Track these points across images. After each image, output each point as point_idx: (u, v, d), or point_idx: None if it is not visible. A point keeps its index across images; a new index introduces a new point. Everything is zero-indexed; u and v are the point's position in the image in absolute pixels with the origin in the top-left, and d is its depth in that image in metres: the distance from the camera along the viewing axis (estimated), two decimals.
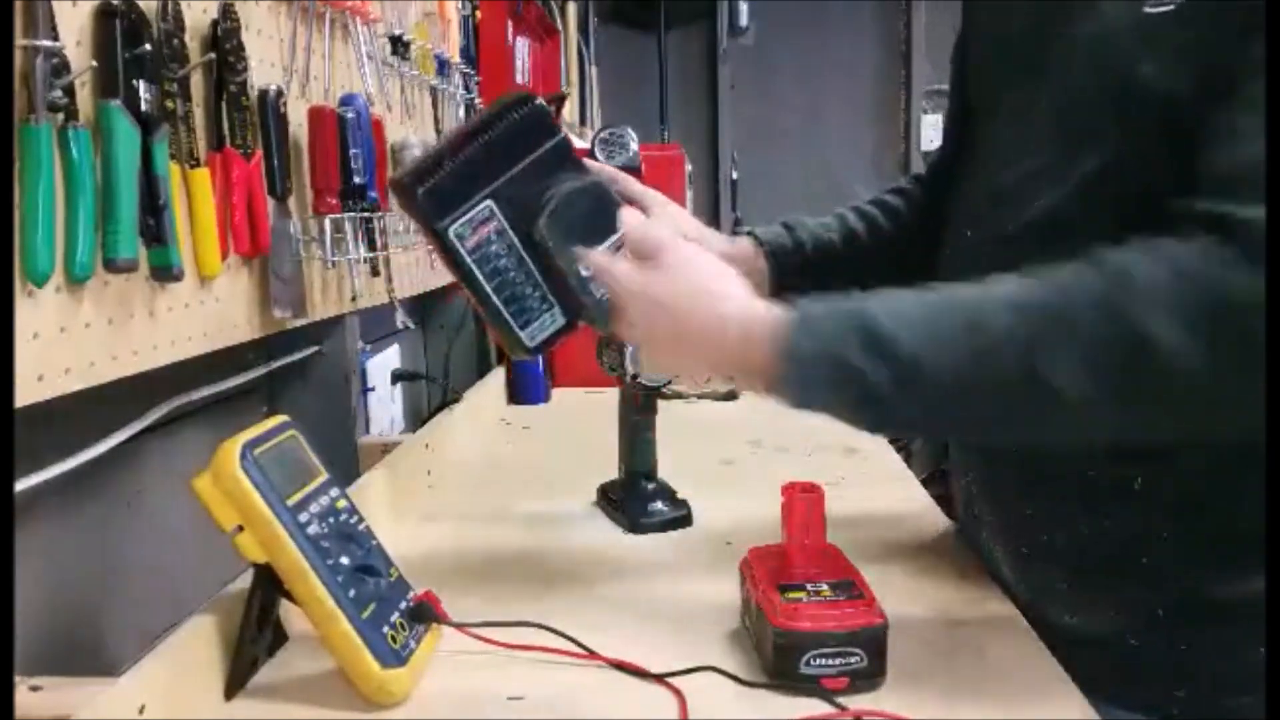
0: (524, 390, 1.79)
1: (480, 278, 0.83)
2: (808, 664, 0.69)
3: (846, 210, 1.09)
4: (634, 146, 1.91)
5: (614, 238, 0.85)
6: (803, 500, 0.76)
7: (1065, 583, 0.80)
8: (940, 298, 0.69)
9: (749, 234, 1.03)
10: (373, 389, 1.45)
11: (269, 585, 0.72)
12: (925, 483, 1.28)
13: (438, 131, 1.56)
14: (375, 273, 1.23)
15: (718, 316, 0.73)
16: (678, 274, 0.76)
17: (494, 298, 0.84)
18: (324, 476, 0.76)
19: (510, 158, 0.85)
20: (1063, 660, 0.74)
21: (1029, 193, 0.79)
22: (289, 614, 0.76)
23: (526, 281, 0.85)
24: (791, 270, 1.03)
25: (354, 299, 1.17)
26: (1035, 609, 0.82)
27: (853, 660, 0.69)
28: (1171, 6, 0.70)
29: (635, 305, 0.76)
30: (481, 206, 0.83)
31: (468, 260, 0.83)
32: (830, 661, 0.69)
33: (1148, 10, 0.71)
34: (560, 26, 2.79)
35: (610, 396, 1.16)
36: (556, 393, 1.83)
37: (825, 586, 0.73)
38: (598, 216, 0.87)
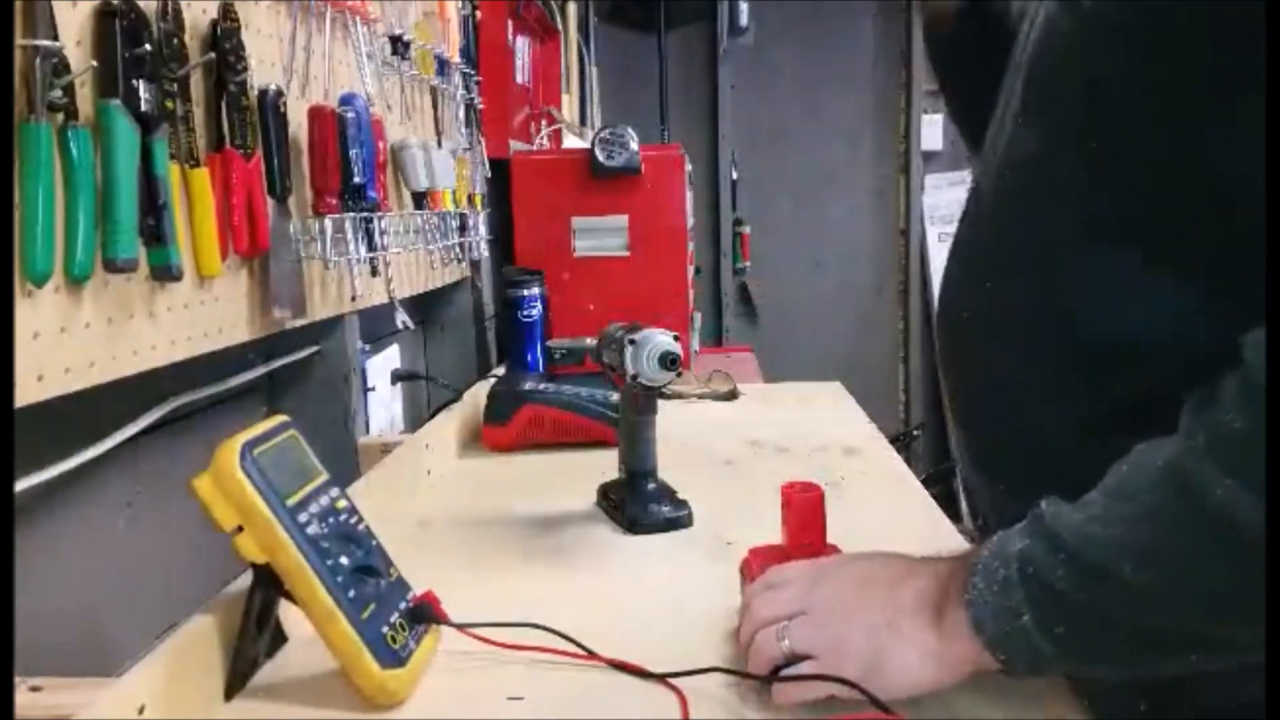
0: None
1: None
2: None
3: None
4: (634, 146, 1.92)
5: None
6: (802, 500, 0.76)
7: None
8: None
9: None
10: (373, 389, 1.45)
11: (269, 585, 0.71)
12: (926, 482, 1.28)
13: (438, 131, 1.57)
14: (375, 273, 1.23)
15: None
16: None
17: None
18: (324, 476, 0.76)
19: None
20: None
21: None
22: (289, 614, 0.76)
23: None
24: None
25: (353, 299, 1.17)
26: None
27: None
28: None
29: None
30: None
31: None
32: None
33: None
34: (560, 26, 2.79)
35: None
36: None
37: None
38: None
